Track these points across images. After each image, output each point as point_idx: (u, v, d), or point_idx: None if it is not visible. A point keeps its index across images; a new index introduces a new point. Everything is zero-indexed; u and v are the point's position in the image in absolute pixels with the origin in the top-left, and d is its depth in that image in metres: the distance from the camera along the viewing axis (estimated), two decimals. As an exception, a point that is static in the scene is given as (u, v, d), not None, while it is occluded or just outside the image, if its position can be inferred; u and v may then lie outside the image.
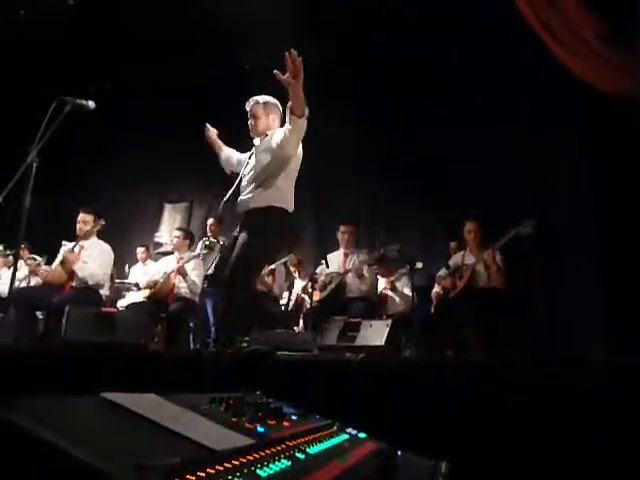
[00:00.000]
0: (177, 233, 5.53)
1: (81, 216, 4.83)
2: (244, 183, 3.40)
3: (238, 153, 3.74)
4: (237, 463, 0.71)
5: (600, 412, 1.66)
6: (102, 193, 7.49)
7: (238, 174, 3.52)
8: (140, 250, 6.58)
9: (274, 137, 3.32)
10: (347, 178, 6.19)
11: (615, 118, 4.05)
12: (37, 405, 0.69)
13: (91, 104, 3.28)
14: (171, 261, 5.36)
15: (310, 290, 4.74)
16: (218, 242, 5.32)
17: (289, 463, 0.80)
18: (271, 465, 0.75)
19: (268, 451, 0.82)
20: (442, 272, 4.96)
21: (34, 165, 3.00)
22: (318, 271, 5.04)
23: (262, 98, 3.45)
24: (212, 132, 3.77)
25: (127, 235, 7.35)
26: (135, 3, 5.81)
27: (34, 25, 5.97)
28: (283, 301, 5.65)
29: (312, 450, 0.94)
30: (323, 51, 5.46)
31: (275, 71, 2.90)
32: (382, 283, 5.36)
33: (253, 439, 0.87)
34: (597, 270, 4.45)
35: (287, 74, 2.87)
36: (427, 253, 5.52)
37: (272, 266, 5.36)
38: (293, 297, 5.53)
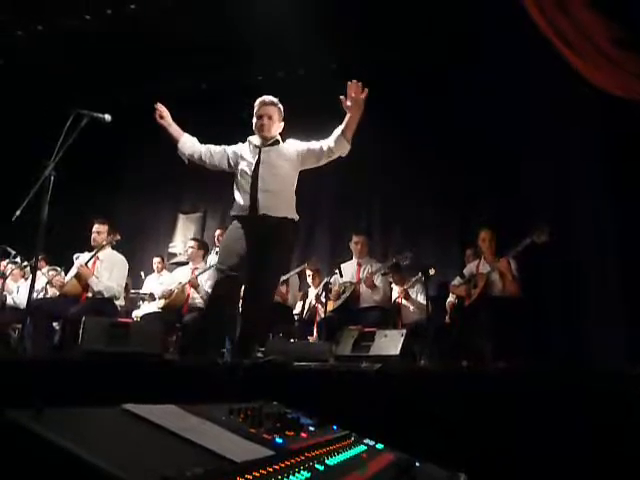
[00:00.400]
0: (191, 243, 5.56)
1: (95, 227, 4.87)
2: (261, 185, 3.23)
3: (200, 143, 3.53)
4: (258, 475, 0.71)
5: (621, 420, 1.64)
6: (117, 204, 7.58)
7: (195, 163, 3.46)
8: (156, 260, 6.63)
9: (293, 147, 3.33)
10: (362, 185, 6.21)
11: (632, 122, 4.02)
12: (60, 416, 0.70)
13: (107, 117, 3.33)
14: (186, 272, 5.39)
15: (324, 300, 4.73)
16: None
17: (309, 475, 0.81)
18: (291, 477, 0.76)
19: (288, 462, 0.82)
20: (457, 281, 4.94)
21: (52, 177, 3.04)
22: (332, 281, 5.04)
23: (277, 101, 3.39)
24: (165, 112, 3.48)
25: (142, 245, 7.42)
26: (150, 17, 5.90)
27: (51, 39, 6.08)
28: (296, 311, 5.65)
29: (331, 462, 0.94)
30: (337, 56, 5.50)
31: (341, 97, 3.07)
32: (396, 292, 5.35)
33: (272, 450, 0.87)
34: (616, 278, 4.40)
35: (348, 102, 3.05)
36: (442, 261, 5.50)
37: (286, 276, 5.36)
38: (307, 307, 5.54)
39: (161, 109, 3.47)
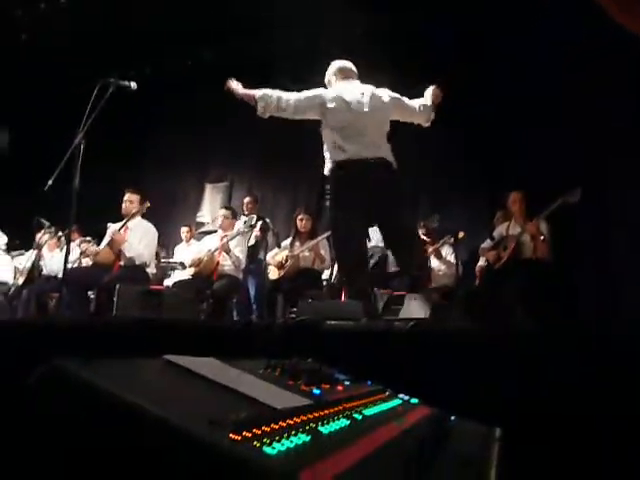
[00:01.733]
0: (224, 212, 5.59)
1: (127, 196, 4.93)
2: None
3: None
4: (299, 420, 0.72)
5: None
6: (144, 175, 7.66)
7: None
8: (184, 230, 6.72)
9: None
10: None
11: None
12: (105, 365, 0.72)
13: (133, 85, 3.34)
14: (215, 239, 5.44)
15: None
16: (259, 219, 5.36)
17: (348, 422, 0.82)
18: (331, 423, 0.77)
19: (327, 411, 0.83)
20: (486, 244, 4.89)
21: (81, 147, 3.08)
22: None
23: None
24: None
25: (170, 215, 7.51)
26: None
27: (75, 12, 6.08)
28: (325, 276, 5.65)
29: (368, 412, 0.95)
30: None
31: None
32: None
33: (310, 400, 0.88)
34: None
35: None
36: (471, 225, 5.43)
37: (315, 240, 5.33)
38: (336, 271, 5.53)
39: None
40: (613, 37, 3.78)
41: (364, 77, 3.49)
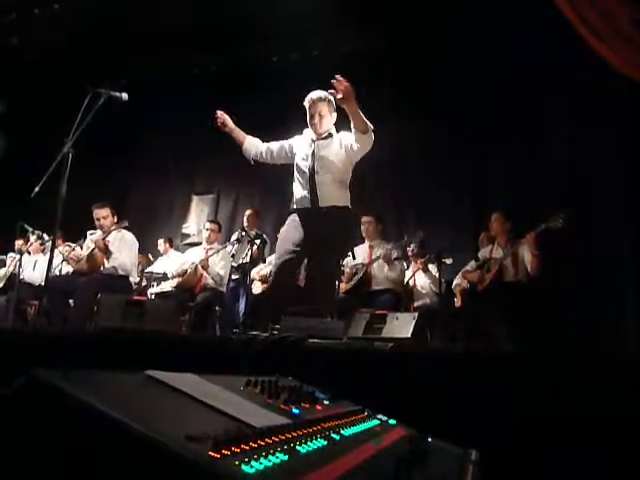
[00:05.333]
0: (211, 226, 5.57)
1: (96, 212, 4.78)
2: (319, 179, 3.34)
3: (262, 142, 3.62)
4: (277, 439, 0.73)
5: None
6: (131, 185, 7.64)
7: (258, 162, 3.57)
8: (160, 242, 6.65)
9: (344, 140, 3.37)
10: (375, 170, 6.19)
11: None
12: (85, 377, 0.72)
13: (124, 96, 3.35)
14: (199, 252, 5.43)
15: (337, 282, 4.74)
16: (249, 235, 5.36)
17: (326, 443, 0.82)
18: (309, 443, 0.77)
19: (305, 431, 0.84)
20: (469, 266, 4.93)
21: (70, 155, 3.07)
22: (344, 263, 5.05)
23: (327, 95, 3.30)
24: (227, 119, 3.49)
25: (156, 226, 7.47)
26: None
27: (68, 18, 6.08)
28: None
29: (346, 432, 0.96)
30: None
31: (330, 91, 3.06)
32: (409, 272, 5.34)
33: (289, 419, 0.89)
34: (630, 264, 4.37)
35: (338, 96, 3.00)
36: (456, 247, 5.47)
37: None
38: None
39: (222, 117, 3.49)
40: (599, 69, 3.91)
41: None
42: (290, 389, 1.17)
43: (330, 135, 3.43)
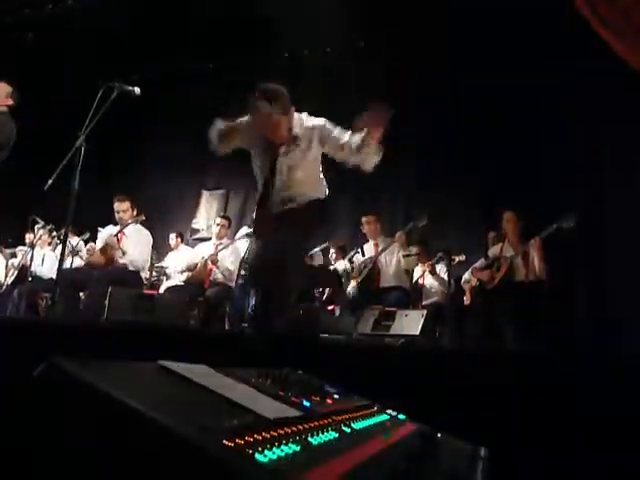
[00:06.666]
0: (222, 221, 5.58)
1: (117, 205, 4.85)
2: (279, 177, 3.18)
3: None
4: (290, 431, 0.73)
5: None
6: (142, 179, 7.67)
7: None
8: (172, 236, 6.69)
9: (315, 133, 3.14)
10: (385, 169, 6.17)
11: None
12: (101, 367, 0.73)
13: (137, 90, 3.36)
14: (209, 247, 5.45)
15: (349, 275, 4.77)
16: None
17: (336, 435, 0.83)
18: (320, 435, 0.78)
19: (316, 423, 0.85)
20: (479, 264, 4.91)
21: (82, 149, 3.09)
22: (354, 259, 5.06)
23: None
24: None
25: (166, 221, 7.50)
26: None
27: (81, 12, 6.11)
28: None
29: (356, 426, 0.96)
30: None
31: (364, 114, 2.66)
32: (418, 271, 5.33)
33: (300, 411, 0.90)
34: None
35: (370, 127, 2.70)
36: (465, 245, 5.44)
37: (309, 253, 5.35)
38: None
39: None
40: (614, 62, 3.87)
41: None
42: (301, 382, 1.17)
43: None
